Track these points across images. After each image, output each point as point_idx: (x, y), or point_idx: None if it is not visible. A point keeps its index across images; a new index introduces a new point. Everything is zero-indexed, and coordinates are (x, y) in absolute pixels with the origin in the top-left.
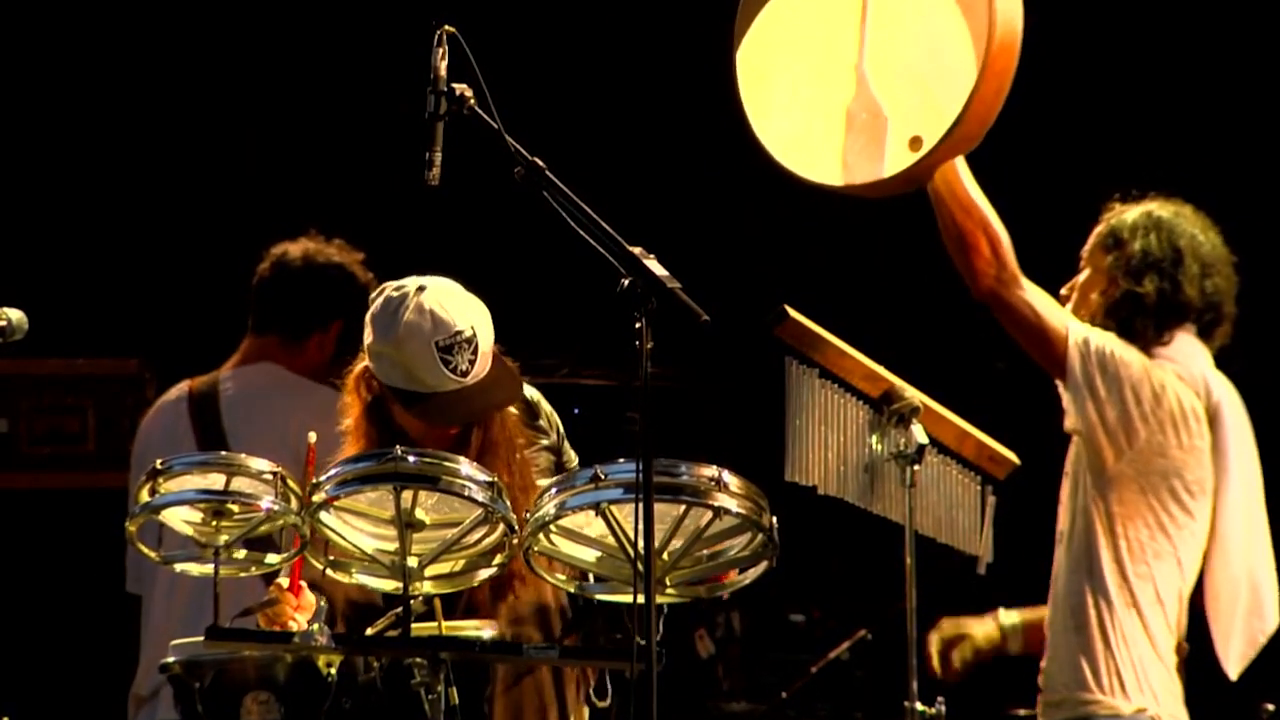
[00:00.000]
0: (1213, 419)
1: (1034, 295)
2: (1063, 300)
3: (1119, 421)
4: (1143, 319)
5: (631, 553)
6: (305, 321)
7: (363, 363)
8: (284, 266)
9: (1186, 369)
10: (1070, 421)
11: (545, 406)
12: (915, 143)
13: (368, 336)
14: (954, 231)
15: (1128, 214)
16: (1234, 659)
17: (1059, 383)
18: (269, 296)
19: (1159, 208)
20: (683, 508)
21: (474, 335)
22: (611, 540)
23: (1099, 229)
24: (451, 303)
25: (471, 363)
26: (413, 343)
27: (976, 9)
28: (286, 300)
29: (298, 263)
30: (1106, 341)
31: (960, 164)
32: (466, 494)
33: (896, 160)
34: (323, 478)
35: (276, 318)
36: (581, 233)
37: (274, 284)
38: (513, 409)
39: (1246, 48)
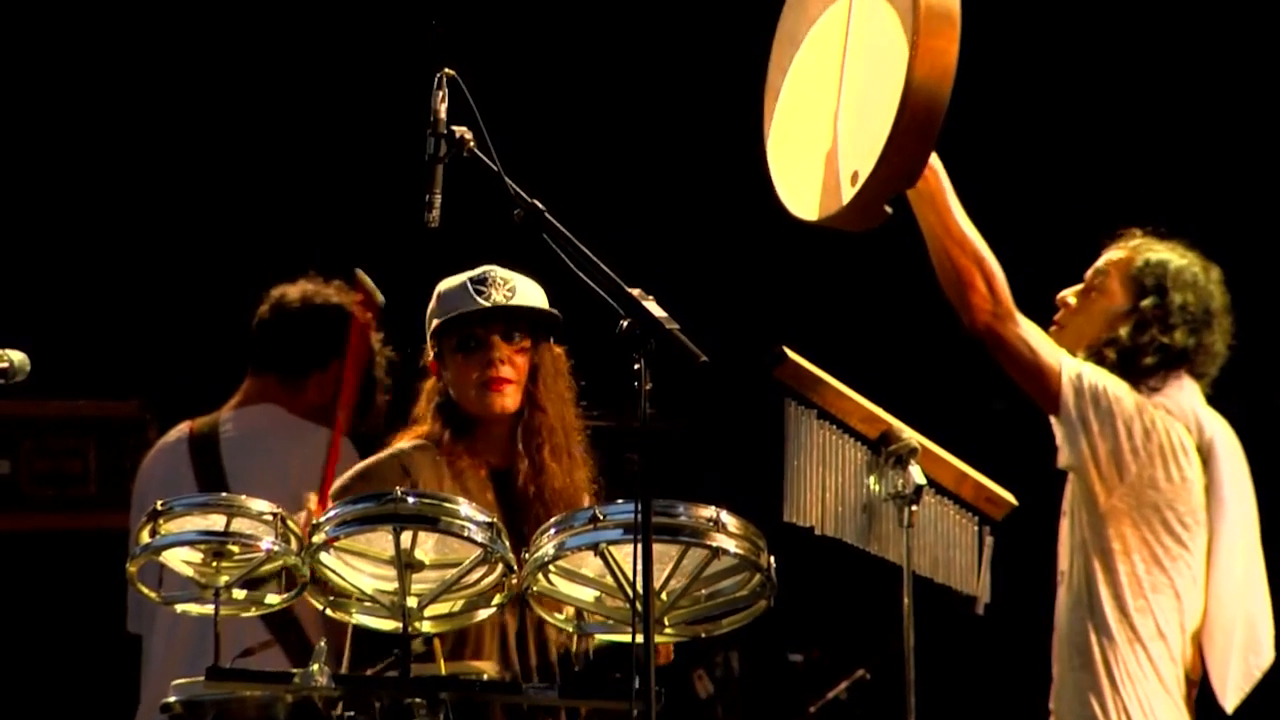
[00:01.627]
0: (1206, 456)
1: (1029, 331)
2: (1060, 304)
3: (1110, 456)
4: (1155, 363)
5: (630, 593)
6: (304, 362)
7: (431, 379)
8: (283, 307)
9: (1177, 405)
10: (1064, 457)
11: None
12: (854, 177)
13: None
14: (949, 268)
15: (1169, 259)
16: (1231, 692)
17: (1052, 418)
18: (268, 337)
19: (1193, 263)
20: (681, 548)
21: (513, 280)
22: (610, 580)
23: (1127, 257)
24: (496, 266)
25: (508, 297)
26: (451, 284)
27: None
28: (285, 341)
29: (296, 304)
30: (1099, 378)
31: (953, 200)
32: (465, 534)
33: (845, 195)
34: (322, 518)
35: (275, 358)
36: (580, 274)
37: (272, 325)
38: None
39: (1220, 75)
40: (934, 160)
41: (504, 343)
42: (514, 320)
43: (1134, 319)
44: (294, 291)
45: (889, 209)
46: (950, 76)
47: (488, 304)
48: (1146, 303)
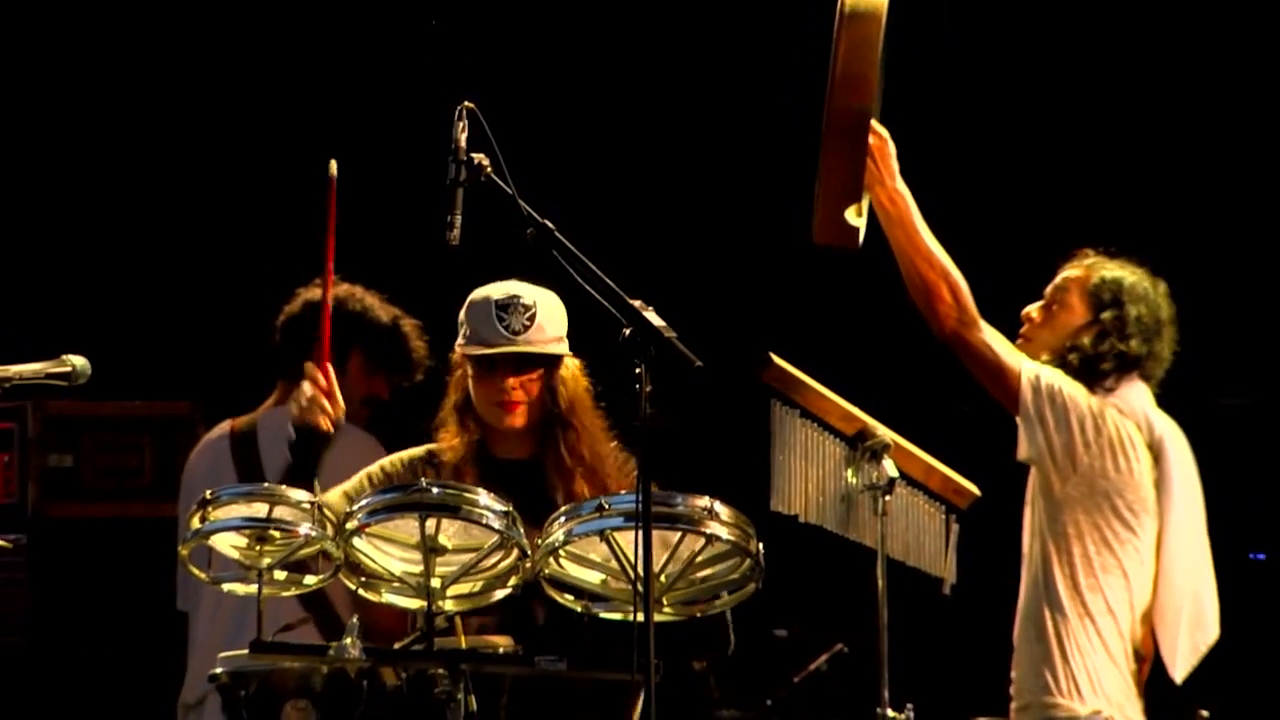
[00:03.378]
0: (1157, 452)
1: (991, 337)
2: (1025, 320)
3: (1065, 449)
4: (1112, 368)
5: (632, 575)
6: (290, 363)
7: (459, 370)
8: (284, 316)
9: (1127, 404)
10: (1023, 450)
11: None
12: (814, 199)
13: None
14: (918, 281)
15: (1122, 276)
16: (1179, 665)
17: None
18: (276, 344)
19: (1144, 278)
20: (678, 535)
21: (534, 306)
22: (614, 564)
23: (1082, 275)
24: (520, 284)
25: (526, 326)
26: (478, 302)
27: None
28: (281, 345)
29: (291, 310)
30: (1055, 379)
31: (919, 221)
32: (484, 522)
33: (815, 213)
34: (355, 507)
35: (280, 362)
36: (587, 287)
37: (277, 332)
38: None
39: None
40: (901, 185)
41: (516, 375)
42: (525, 358)
43: (1095, 329)
44: (296, 300)
45: (853, 223)
46: (868, 98)
47: (506, 334)
48: (1106, 315)
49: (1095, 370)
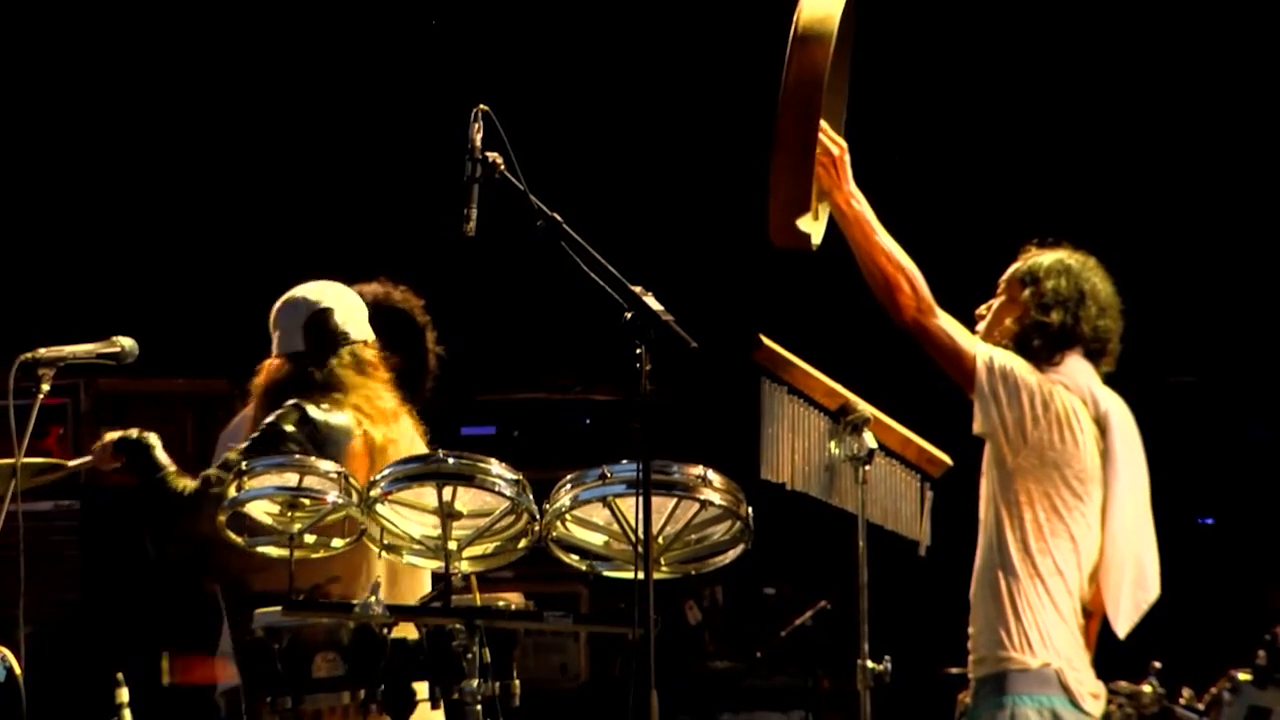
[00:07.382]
0: (1103, 426)
1: (947, 323)
2: (978, 318)
3: (1016, 424)
4: (1043, 343)
5: (633, 537)
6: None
7: None
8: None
9: (1073, 381)
10: (978, 425)
11: None
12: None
13: None
14: (878, 276)
15: (1044, 258)
16: (1122, 621)
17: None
18: None
19: (1069, 256)
20: (675, 500)
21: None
22: (616, 527)
23: (1018, 265)
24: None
25: None
26: None
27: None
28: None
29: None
30: (1007, 359)
31: (875, 221)
32: (497, 489)
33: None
34: (377, 476)
35: None
36: (592, 274)
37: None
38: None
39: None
40: (856, 189)
41: None
42: None
43: (1017, 310)
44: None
45: (805, 229)
46: (814, 122)
47: None
48: (1024, 294)
49: (1029, 349)
